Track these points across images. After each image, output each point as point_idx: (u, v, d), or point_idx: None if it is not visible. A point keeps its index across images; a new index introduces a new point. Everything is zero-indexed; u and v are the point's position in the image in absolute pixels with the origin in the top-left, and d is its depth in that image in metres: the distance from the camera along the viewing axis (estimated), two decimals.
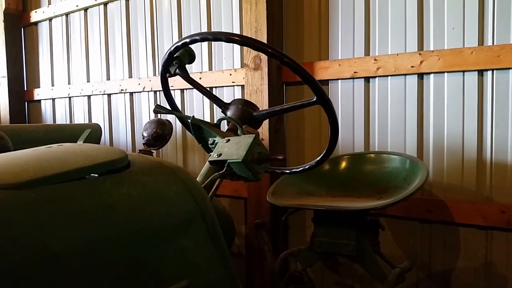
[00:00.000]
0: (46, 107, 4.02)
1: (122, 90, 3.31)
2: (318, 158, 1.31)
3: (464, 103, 1.99)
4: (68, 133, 2.40)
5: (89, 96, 3.62)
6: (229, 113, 1.31)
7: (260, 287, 2.44)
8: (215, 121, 1.32)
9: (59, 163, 0.68)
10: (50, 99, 3.95)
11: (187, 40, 1.20)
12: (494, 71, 1.92)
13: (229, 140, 1.15)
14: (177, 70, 1.31)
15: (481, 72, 1.95)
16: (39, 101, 4.07)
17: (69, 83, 3.80)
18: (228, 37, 1.13)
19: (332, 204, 1.69)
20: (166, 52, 1.29)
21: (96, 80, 3.55)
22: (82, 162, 0.69)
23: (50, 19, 3.88)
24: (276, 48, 1.14)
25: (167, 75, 1.34)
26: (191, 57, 1.33)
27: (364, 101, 2.25)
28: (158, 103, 3.12)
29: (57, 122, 3.92)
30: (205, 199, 0.81)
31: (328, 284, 2.40)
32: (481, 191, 1.98)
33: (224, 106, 1.35)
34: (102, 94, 3.48)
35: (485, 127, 1.96)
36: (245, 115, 1.28)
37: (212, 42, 2.78)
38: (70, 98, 3.78)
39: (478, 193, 1.98)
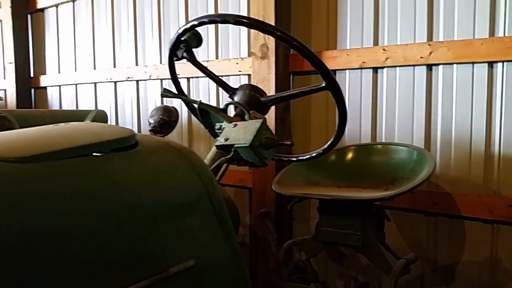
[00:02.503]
0: (52, 93, 4.03)
1: (128, 77, 3.31)
2: (325, 146, 1.30)
3: (473, 95, 1.96)
4: (73, 118, 2.40)
5: (95, 84, 3.62)
6: (236, 98, 1.30)
7: (264, 276, 2.43)
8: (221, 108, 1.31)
9: (65, 140, 0.68)
10: (56, 86, 3.96)
11: (195, 22, 1.19)
12: (505, 63, 1.89)
13: (236, 125, 1.14)
14: (185, 54, 1.30)
15: (491, 64, 1.92)
16: (45, 87, 4.08)
17: (75, 70, 3.79)
18: (236, 19, 1.12)
19: (337, 193, 1.68)
20: (174, 35, 1.28)
21: (103, 68, 3.54)
22: (89, 139, 0.69)
23: (56, 5, 3.87)
24: (285, 31, 1.12)
25: (174, 58, 1.33)
26: (198, 41, 1.32)
27: (372, 92, 2.23)
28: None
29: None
30: (212, 180, 0.80)
31: (331, 275, 2.40)
32: (488, 184, 1.96)
33: (231, 91, 1.33)
34: (108, 82, 3.48)
35: (494, 120, 1.94)
36: (252, 101, 1.27)
37: (219, 30, 2.76)
38: (76, 85, 3.78)
39: (485, 186, 1.97)
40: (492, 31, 1.91)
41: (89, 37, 3.65)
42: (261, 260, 2.48)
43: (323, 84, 1.16)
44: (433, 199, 2.06)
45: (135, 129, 3.33)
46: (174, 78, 1.41)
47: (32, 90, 4.20)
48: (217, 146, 1.14)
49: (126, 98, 3.39)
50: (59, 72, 3.94)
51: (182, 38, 1.27)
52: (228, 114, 1.28)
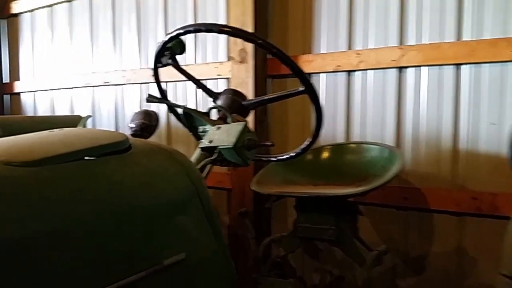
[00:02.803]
0: (26, 100, 3.99)
1: (105, 82, 3.32)
2: (303, 146, 1.38)
3: (441, 95, 2.08)
4: (53, 124, 2.42)
5: (72, 89, 3.61)
6: (219, 102, 1.37)
7: (243, 274, 2.50)
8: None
9: (64, 145, 0.73)
10: (31, 91, 3.92)
11: (181, 30, 1.25)
12: (470, 65, 2.01)
13: (219, 127, 1.21)
14: (169, 60, 1.36)
15: (458, 66, 2.04)
16: (18, 93, 4.03)
17: (51, 76, 3.77)
18: (220, 29, 1.19)
19: (313, 191, 1.77)
20: (160, 43, 1.34)
21: (80, 73, 3.54)
22: (86, 144, 0.75)
23: (32, 11, 3.84)
24: (266, 40, 1.20)
25: (159, 65, 1.39)
26: (182, 48, 1.38)
27: (346, 94, 2.33)
28: (143, 95, 3.15)
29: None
30: (200, 180, 0.87)
31: (308, 271, 2.48)
32: (455, 179, 2.08)
33: (214, 95, 1.40)
34: (86, 87, 3.48)
35: (460, 119, 2.05)
36: (234, 104, 1.34)
37: (197, 35, 2.82)
38: (52, 90, 3.76)
39: (453, 181, 2.09)
40: (458, 35, 2.03)
41: (66, 42, 3.64)
42: (241, 259, 2.54)
43: (302, 89, 1.24)
44: (403, 194, 2.17)
45: None
46: (159, 84, 1.47)
47: (5, 97, 4.14)
48: (202, 148, 1.20)
49: (103, 103, 3.40)
50: (33, 77, 3.90)
51: (168, 46, 1.33)
52: (211, 117, 1.34)
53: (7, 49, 4.11)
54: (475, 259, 2.05)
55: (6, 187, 0.61)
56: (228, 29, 1.19)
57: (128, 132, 2.14)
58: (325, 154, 2.06)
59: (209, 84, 2.74)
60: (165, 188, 0.79)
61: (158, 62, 1.38)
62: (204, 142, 1.19)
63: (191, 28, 1.23)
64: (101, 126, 3.41)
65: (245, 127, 1.14)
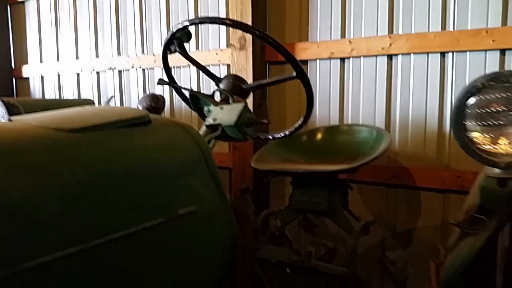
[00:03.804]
0: (34, 84, 4.13)
1: (111, 67, 3.47)
2: (296, 125, 1.55)
3: (428, 81, 2.24)
4: (68, 106, 2.58)
5: (78, 74, 3.75)
6: (222, 86, 1.53)
7: (243, 245, 2.68)
8: None
9: (100, 117, 0.90)
10: (39, 76, 4.06)
11: (187, 23, 1.41)
12: (454, 53, 2.17)
13: (222, 107, 1.37)
14: (177, 48, 1.51)
15: (443, 54, 2.19)
16: (27, 78, 4.18)
17: (58, 60, 3.91)
18: (223, 21, 1.35)
19: (307, 168, 1.93)
20: (169, 33, 1.49)
21: (85, 58, 3.68)
22: (118, 117, 0.91)
23: None
24: (263, 31, 1.35)
25: (168, 52, 1.55)
26: (189, 36, 1.53)
27: (339, 80, 2.49)
28: (147, 80, 3.30)
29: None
30: (207, 149, 1.04)
31: (304, 243, 2.67)
32: (440, 159, 2.25)
33: (218, 80, 1.56)
34: (91, 72, 3.63)
35: (446, 103, 2.21)
36: (235, 88, 1.50)
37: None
38: (59, 75, 3.90)
39: (438, 160, 2.25)
40: (443, 25, 2.18)
41: (71, 28, 3.77)
42: (241, 233, 2.72)
43: (294, 74, 1.40)
44: (392, 173, 2.34)
45: None
46: (167, 69, 1.63)
47: (14, 80, 4.29)
48: (207, 126, 1.37)
49: (109, 88, 3.54)
50: (41, 62, 4.04)
51: (176, 36, 1.49)
52: (215, 99, 1.50)
53: (15, 34, 4.23)
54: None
55: (58, 148, 0.78)
56: (228, 21, 1.34)
57: None
58: (319, 135, 2.22)
59: (210, 70, 2.91)
60: (178, 154, 0.96)
61: (168, 49, 1.53)
62: (209, 120, 1.35)
63: (197, 21, 1.38)
64: None
65: (245, 107, 1.30)
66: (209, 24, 2.89)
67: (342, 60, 2.47)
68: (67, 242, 0.73)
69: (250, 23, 2.53)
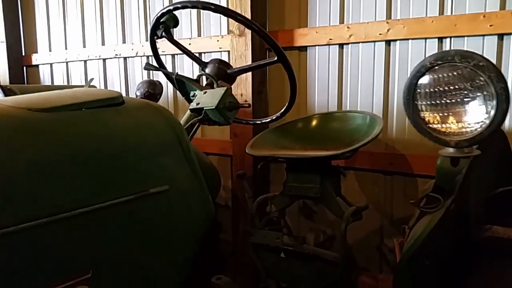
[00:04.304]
0: (44, 71, 4.21)
1: (116, 55, 3.51)
2: (281, 111, 1.56)
3: None
4: None
5: (85, 61, 3.81)
6: (207, 71, 1.55)
7: (243, 231, 2.71)
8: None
9: (72, 98, 0.93)
10: (47, 64, 4.13)
11: (171, 7, 1.42)
12: (452, 39, 2.14)
13: (206, 92, 1.39)
14: (163, 33, 1.53)
15: (440, 39, 2.17)
16: (37, 65, 4.25)
17: (66, 48, 3.97)
18: (204, 5, 1.35)
19: (301, 153, 1.94)
20: (154, 17, 1.51)
21: (92, 45, 3.73)
22: (90, 98, 0.94)
23: None
24: (244, 16, 1.36)
25: (155, 37, 1.57)
26: (175, 22, 1.55)
27: (338, 66, 2.48)
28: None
29: None
30: (181, 130, 1.06)
31: (304, 230, 2.69)
32: (437, 146, 2.23)
33: (203, 64, 1.58)
34: (98, 59, 3.68)
35: None
36: (220, 72, 1.51)
37: (201, 10, 2.96)
38: (67, 63, 3.97)
39: (434, 148, 2.22)
40: (441, 10, 2.15)
41: (78, 16, 3.82)
42: (241, 218, 2.76)
43: (276, 58, 1.41)
44: (389, 160, 2.33)
45: None
46: (156, 54, 1.65)
47: (24, 68, 4.37)
48: (191, 109, 1.39)
49: (114, 74, 3.59)
50: (50, 51, 4.11)
51: (161, 20, 1.50)
52: (201, 83, 1.52)
53: (24, 23, 4.30)
54: None
55: (28, 126, 0.81)
56: (211, 6, 1.35)
57: None
58: (314, 122, 2.23)
59: (212, 57, 2.92)
60: (150, 134, 0.99)
61: (154, 34, 1.55)
62: (193, 105, 1.37)
63: (179, 5, 1.40)
64: None
65: (227, 91, 1.31)
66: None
67: (341, 46, 2.46)
68: (33, 215, 0.76)
69: (249, 9, 2.53)
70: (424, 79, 1.12)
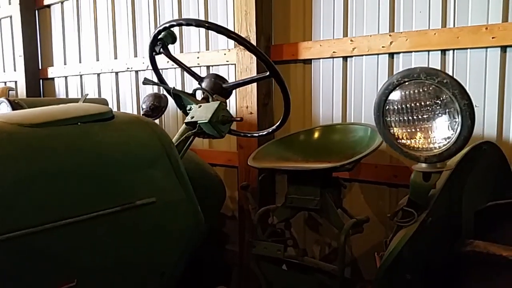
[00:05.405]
0: (59, 84, 4.32)
1: (128, 68, 3.59)
2: (277, 124, 1.58)
3: None
4: None
5: (98, 74, 3.90)
6: (203, 85, 1.58)
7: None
8: None
9: (63, 113, 0.97)
10: (62, 77, 4.25)
11: (167, 25, 1.47)
12: (455, 51, 2.14)
13: (201, 106, 1.42)
14: (161, 49, 1.58)
15: (443, 52, 2.17)
16: (52, 78, 4.37)
17: (80, 62, 4.08)
18: (198, 23, 1.39)
19: (302, 165, 1.96)
20: (152, 35, 1.56)
21: (105, 59, 3.83)
22: (80, 113, 0.98)
23: (61, 2, 4.14)
24: (236, 33, 1.40)
25: (153, 53, 1.61)
26: (173, 39, 1.60)
27: (342, 78, 2.49)
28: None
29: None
30: (170, 144, 1.09)
31: (309, 241, 2.69)
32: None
33: (199, 79, 1.61)
34: (110, 72, 3.77)
35: None
36: (216, 86, 1.55)
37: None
38: (81, 76, 4.07)
39: None
40: (444, 23, 2.15)
41: (92, 31, 3.92)
42: (247, 228, 2.77)
43: (268, 73, 1.44)
44: (394, 173, 2.32)
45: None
46: (155, 68, 1.69)
47: (41, 81, 4.50)
48: (186, 123, 1.42)
49: (126, 87, 3.67)
50: (65, 64, 4.23)
51: (159, 37, 1.55)
52: (197, 98, 1.56)
53: (41, 37, 4.43)
54: None
55: (19, 142, 0.86)
56: (205, 24, 1.39)
57: (140, 113, 2.39)
58: (317, 134, 2.24)
59: (220, 70, 2.98)
60: (138, 148, 1.02)
61: (153, 50, 1.60)
62: (188, 118, 1.41)
63: (174, 23, 1.44)
64: (125, 108, 3.69)
65: (220, 105, 1.34)
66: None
67: (345, 58, 2.47)
68: (19, 225, 0.80)
69: (254, 23, 2.58)
70: (394, 96, 1.15)
